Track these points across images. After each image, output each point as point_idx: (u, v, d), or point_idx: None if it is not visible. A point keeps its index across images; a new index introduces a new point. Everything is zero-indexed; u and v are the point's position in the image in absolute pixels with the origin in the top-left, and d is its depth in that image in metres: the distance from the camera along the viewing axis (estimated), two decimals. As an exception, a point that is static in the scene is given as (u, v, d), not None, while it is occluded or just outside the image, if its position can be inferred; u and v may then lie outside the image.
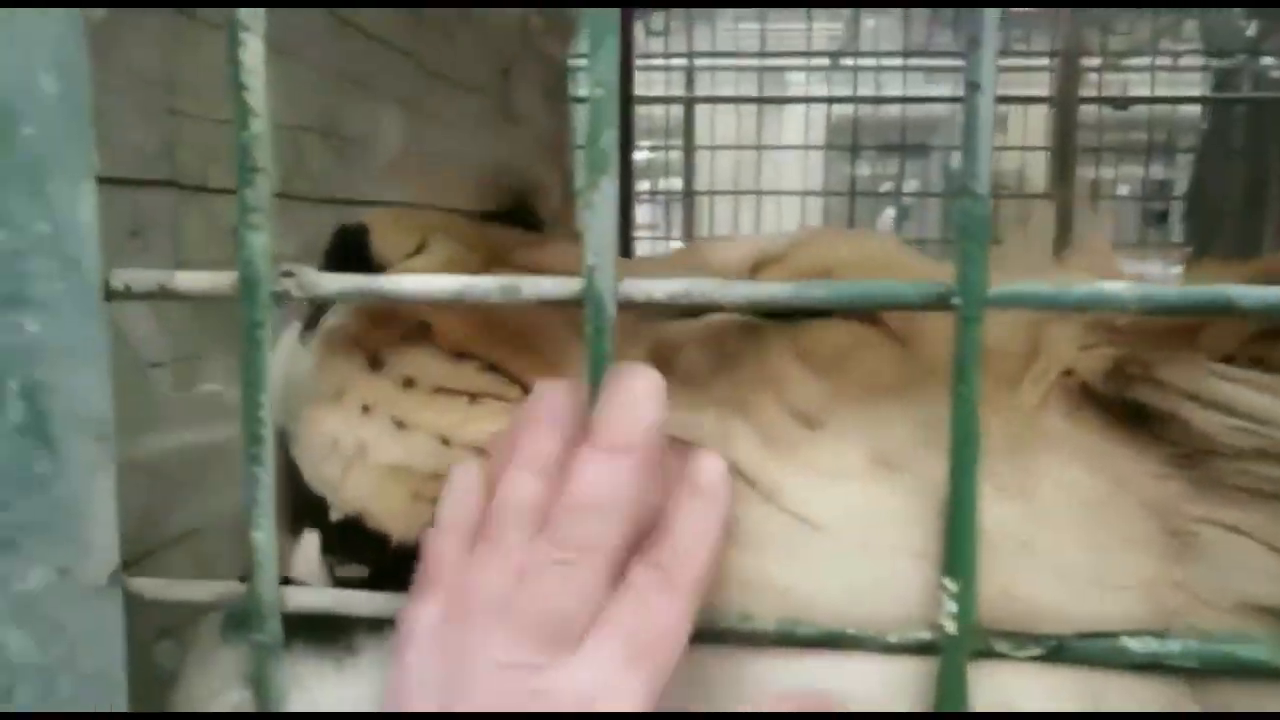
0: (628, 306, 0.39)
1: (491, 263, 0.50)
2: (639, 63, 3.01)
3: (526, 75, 1.91)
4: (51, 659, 0.37)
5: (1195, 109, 3.70)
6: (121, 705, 0.41)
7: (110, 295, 0.40)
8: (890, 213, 4.79)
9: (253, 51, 0.38)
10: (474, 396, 0.47)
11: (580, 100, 3.28)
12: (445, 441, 0.46)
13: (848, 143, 3.76)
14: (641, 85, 3.02)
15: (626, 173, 2.82)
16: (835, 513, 0.42)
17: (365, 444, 0.46)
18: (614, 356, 0.39)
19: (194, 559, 0.82)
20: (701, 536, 0.39)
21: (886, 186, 4.31)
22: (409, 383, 0.47)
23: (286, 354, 0.50)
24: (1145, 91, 3.59)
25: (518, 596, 0.37)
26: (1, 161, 0.33)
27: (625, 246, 2.77)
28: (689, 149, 3.89)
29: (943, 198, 4.27)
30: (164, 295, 0.42)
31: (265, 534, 0.42)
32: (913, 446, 0.44)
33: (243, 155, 0.39)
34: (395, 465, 0.46)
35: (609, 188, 0.38)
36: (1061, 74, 3.39)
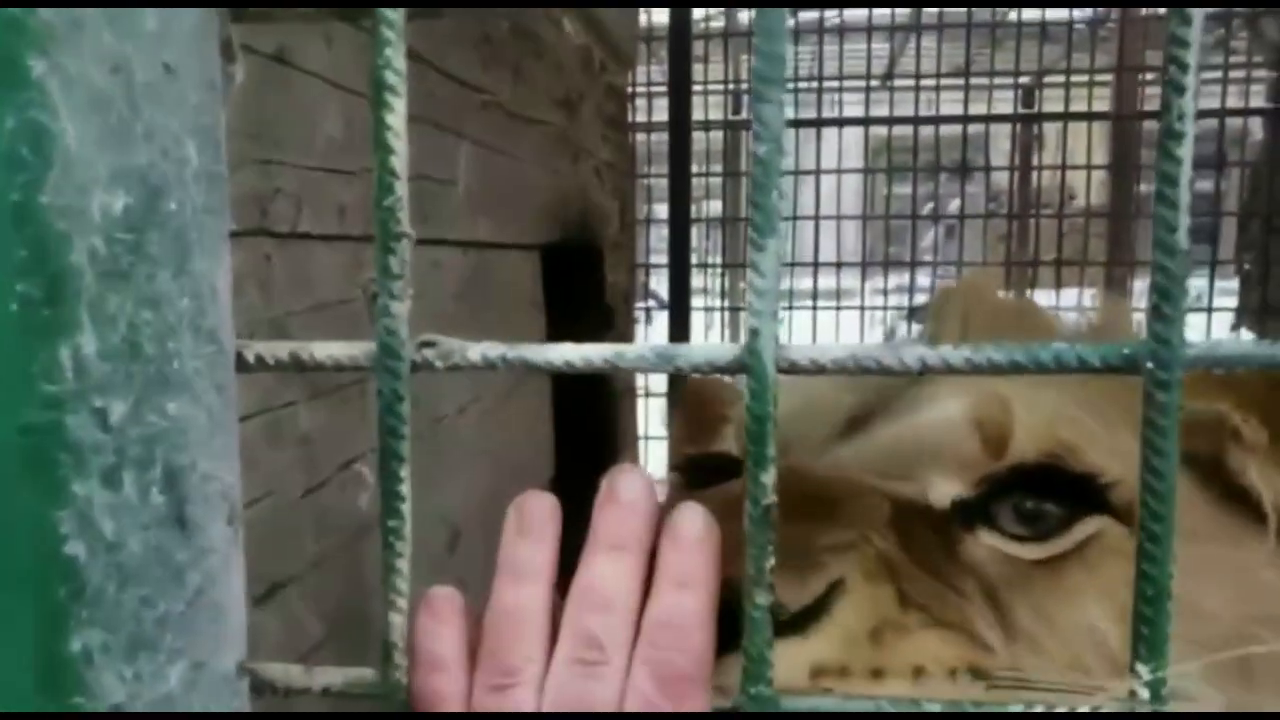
0: (790, 372, 0.37)
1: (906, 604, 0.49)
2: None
3: (589, 106, 1.91)
4: (188, 757, 0.35)
5: (1237, 122, 3.59)
6: (251, 796, 0.39)
7: (242, 367, 0.39)
8: (934, 233, 4.71)
9: (398, 114, 0.36)
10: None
11: (636, 127, 3.29)
12: None
13: (900, 164, 3.71)
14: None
15: (685, 200, 2.80)
16: None
17: None
18: (776, 421, 0.36)
19: (282, 616, 0.81)
20: (688, 616, 0.38)
21: (928, 208, 4.24)
22: None
23: None
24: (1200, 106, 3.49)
25: (545, 706, 0.37)
26: (151, 238, 0.32)
27: (683, 275, 2.75)
28: (732, 174, 3.87)
29: (985, 218, 4.19)
30: (297, 366, 0.40)
31: (402, 617, 0.39)
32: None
33: (385, 220, 0.37)
34: None
35: (775, 248, 0.35)
36: (1120, 89, 3.32)
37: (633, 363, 0.38)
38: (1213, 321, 3.17)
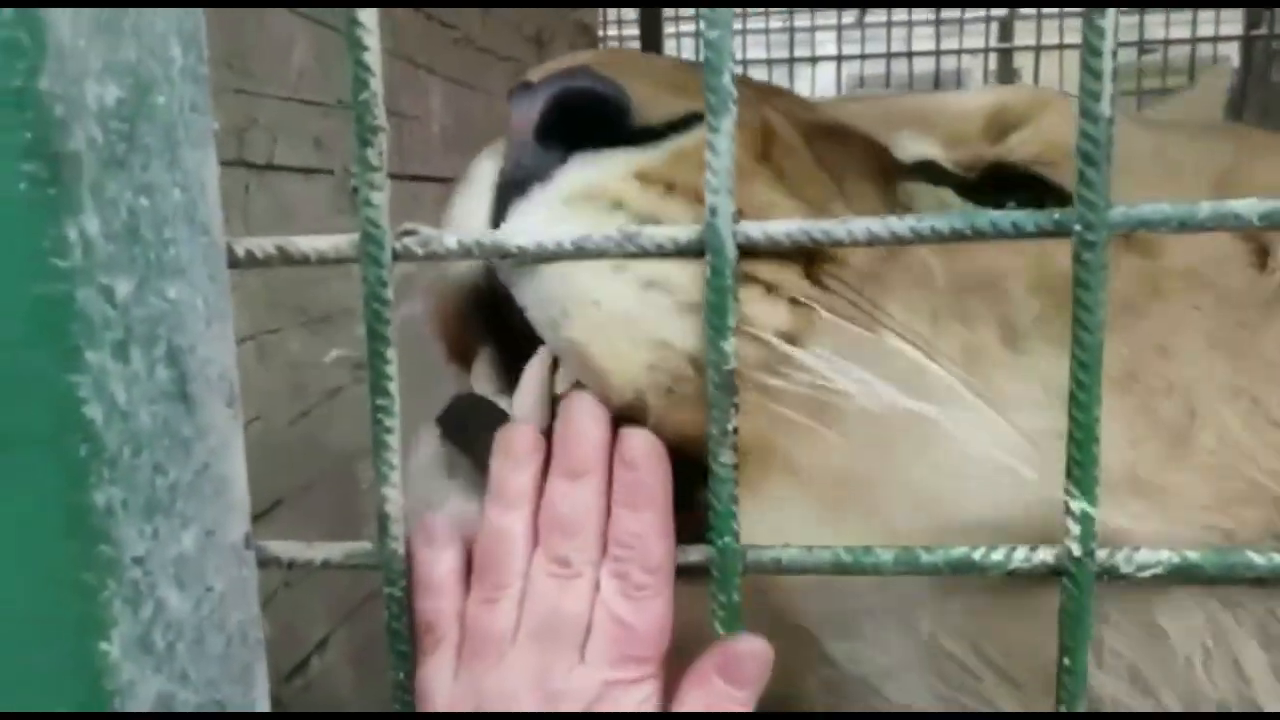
0: (749, 251, 0.39)
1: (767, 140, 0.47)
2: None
3: (560, 43, 1.91)
4: (204, 617, 0.38)
5: (1207, 50, 3.60)
6: (261, 663, 0.42)
7: (234, 262, 0.41)
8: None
9: (369, 11, 0.38)
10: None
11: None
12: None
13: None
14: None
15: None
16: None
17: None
18: (736, 297, 0.39)
19: (276, 534, 0.83)
20: (644, 528, 0.41)
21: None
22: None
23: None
24: (1170, 34, 3.50)
25: (524, 615, 0.41)
26: (143, 129, 0.34)
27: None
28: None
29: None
30: (284, 260, 0.42)
31: (394, 490, 0.42)
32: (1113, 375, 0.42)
33: (362, 114, 0.39)
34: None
35: (729, 126, 0.38)
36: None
37: (599, 244, 0.40)
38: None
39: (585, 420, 0.43)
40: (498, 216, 0.47)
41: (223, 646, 0.39)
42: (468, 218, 0.47)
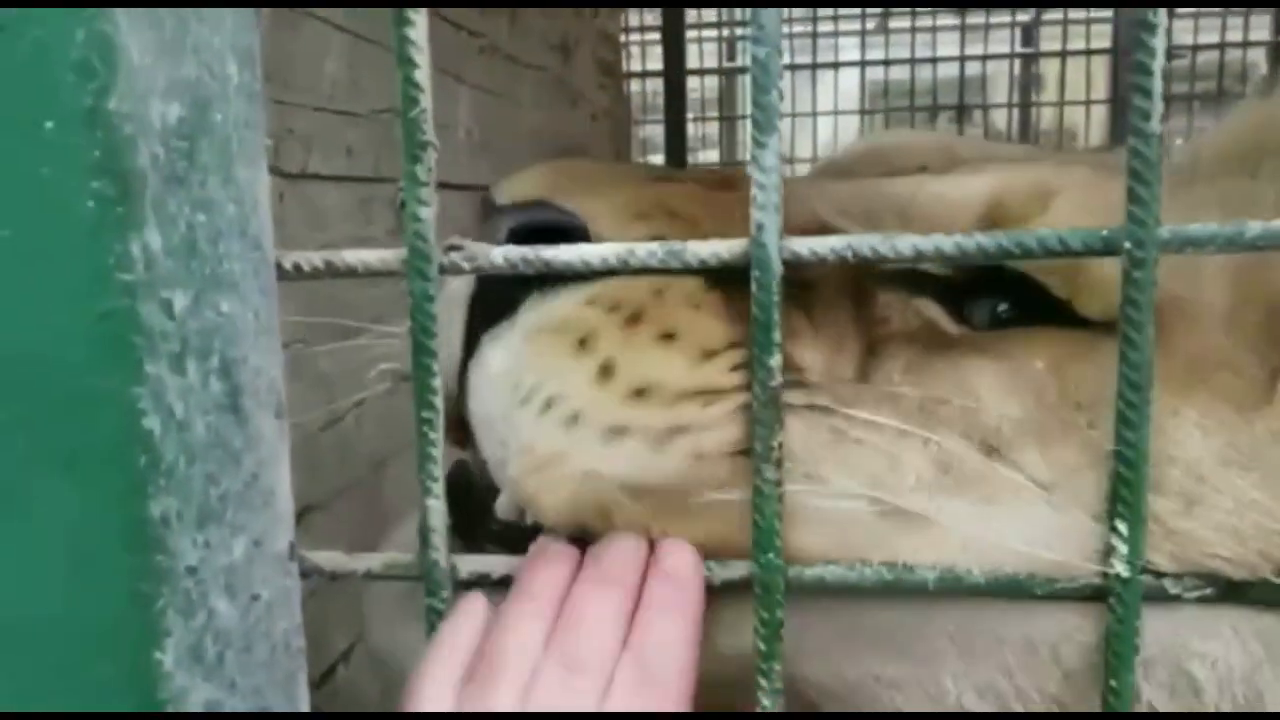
0: (794, 265, 0.39)
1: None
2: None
3: (583, 51, 1.92)
4: (251, 626, 0.39)
5: (1237, 55, 3.57)
6: (303, 671, 0.43)
7: (282, 275, 0.42)
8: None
9: (419, 28, 0.38)
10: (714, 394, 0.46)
11: (630, 75, 3.29)
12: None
13: (893, 106, 3.70)
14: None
15: (682, 148, 2.81)
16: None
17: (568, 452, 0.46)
18: (781, 313, 0.39)
19: (310, 541, 0.84)
20: (674, 637, 0.41)
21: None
22: (640, 392, 0.46)
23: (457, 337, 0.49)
24: (1198, 40, 3.47)
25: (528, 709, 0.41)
26: (202, 146, 0.34)
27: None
28: (728, 119, 3.87)
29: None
30: (331, 273, 0.43)
31: (438, 502, 0.43)
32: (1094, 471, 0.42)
33: (411, 131, 0.39)
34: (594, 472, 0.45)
35: (775, 145, 0.38)
36: (1123, 24, 3.31)
37: (644, 259, 0.40)
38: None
39: (627, 548, 0.44)
40: (470, 328, 0.49)
41: (268, 654, 0.40)
42: (448, 326, 0.48)
